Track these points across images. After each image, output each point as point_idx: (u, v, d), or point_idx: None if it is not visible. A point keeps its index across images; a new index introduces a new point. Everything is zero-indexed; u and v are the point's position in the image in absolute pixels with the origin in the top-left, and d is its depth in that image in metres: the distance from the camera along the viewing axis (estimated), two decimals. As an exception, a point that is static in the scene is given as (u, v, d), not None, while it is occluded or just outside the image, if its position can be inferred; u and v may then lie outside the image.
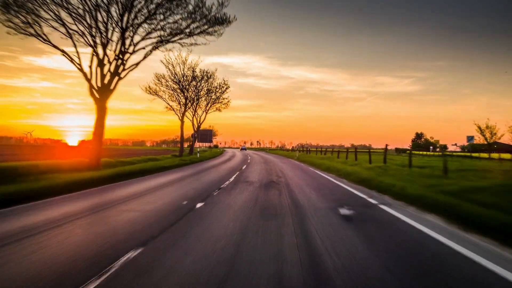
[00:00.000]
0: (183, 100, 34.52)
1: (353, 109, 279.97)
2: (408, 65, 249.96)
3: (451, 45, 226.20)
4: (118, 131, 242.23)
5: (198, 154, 36.32)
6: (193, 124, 40.52)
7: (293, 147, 68.51)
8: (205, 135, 54.83)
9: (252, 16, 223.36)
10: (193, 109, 40.20)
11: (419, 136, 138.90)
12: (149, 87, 32.36)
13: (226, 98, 41.68)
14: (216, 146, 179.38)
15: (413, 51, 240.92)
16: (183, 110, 34.45)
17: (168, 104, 33.73)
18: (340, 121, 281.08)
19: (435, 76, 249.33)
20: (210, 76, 37.86)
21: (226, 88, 41.10)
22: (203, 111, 41.50)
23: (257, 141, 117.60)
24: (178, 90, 33.53)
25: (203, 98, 40.63)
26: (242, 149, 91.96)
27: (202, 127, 44.57)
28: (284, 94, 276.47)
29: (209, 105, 41.38)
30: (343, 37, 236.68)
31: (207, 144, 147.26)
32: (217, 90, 40.50)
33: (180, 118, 33.54)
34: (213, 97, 40.90)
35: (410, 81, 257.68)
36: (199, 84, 37.58)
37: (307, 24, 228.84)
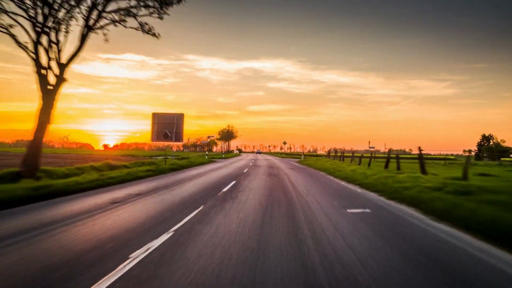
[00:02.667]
0: None
1: (386, 113, 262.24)
2: (444, 68, 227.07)
3: (490, 47, 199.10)
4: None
5: None
6: (39, 76, 11.42)
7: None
8: (165, 124, 25.64)
9: (284, 20, 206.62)
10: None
11: (486, 138, 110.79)
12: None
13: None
14: (240, 150, 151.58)
15: (449, 53, 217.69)
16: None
17: None
18: (373, 125, 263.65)
19: (473, 79, 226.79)
20: None
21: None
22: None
23: (284, 142, 76.10)
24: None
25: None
26: (257, 153, 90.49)
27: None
28: (316, 98, 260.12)
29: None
30: (376, 40, 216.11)
31: (226, 147, 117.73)
32: None
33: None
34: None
35: (447, 85, 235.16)
36: None
37: (340, 28, 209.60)
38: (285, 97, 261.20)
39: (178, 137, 25.58)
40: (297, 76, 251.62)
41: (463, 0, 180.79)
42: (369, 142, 39.66)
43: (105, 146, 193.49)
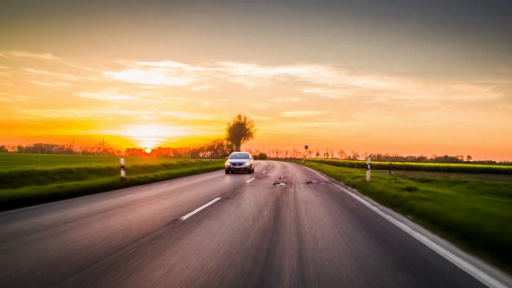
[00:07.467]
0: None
1: (425, 119, 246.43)
2: (487, 72, 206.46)
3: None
4: (187, 141, 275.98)
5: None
6: None
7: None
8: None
9: (319, 26, 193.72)
10: None
11: None
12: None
13: None
14: (258, 157, 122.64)
15: (493, 56, 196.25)
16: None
17: None
18: (411, 131, 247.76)
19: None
20: None
21: None
22: None
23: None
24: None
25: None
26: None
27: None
28: (351, 104, 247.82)
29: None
30: (414, 43, 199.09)
31: (237, 151, 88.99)
32: None
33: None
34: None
35: (491, 89, 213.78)
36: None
37: (376, 32, 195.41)
38: (320, 102, 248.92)
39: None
40: (332, 82, 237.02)
41: (506, 1, 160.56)
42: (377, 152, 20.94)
43: (127, 150, 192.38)
